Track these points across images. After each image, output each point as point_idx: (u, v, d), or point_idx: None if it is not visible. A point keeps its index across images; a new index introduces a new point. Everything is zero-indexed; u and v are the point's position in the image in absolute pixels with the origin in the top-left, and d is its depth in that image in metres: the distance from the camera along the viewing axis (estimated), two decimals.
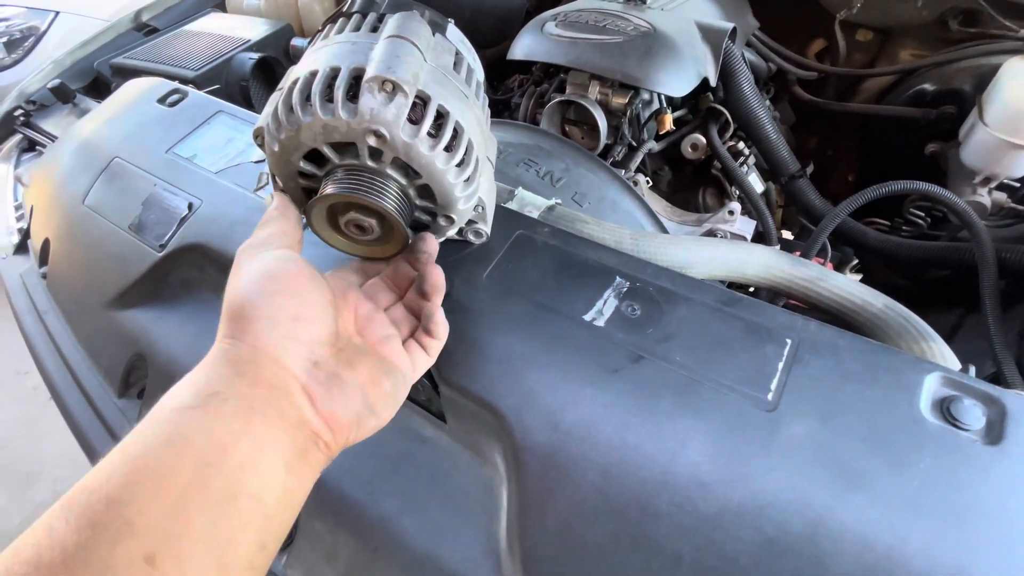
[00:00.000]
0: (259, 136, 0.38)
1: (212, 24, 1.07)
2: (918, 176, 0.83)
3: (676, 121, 0.90)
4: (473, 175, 0.40)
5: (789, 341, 0.37)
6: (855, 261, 0.93)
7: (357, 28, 0.38)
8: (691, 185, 0.99)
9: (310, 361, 0.31)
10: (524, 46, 0.86)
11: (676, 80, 0.78)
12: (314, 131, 0.35)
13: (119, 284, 0.58)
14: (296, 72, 0.36)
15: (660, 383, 0.36)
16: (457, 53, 0.41)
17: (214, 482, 0.25)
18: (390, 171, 0.37)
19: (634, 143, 0.88)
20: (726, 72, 0.86)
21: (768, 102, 1.02)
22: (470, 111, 0.39)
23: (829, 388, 0.35)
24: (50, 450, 1.70)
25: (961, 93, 0.88)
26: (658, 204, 0.88)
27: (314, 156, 0.37)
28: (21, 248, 0.78)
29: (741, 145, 0.91)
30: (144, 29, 1.12)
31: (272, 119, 0.36)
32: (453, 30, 0.42)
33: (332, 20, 0.40)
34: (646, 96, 0.86)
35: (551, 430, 0.36)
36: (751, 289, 0.78)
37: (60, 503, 0.23)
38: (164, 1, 1.18)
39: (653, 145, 0.90)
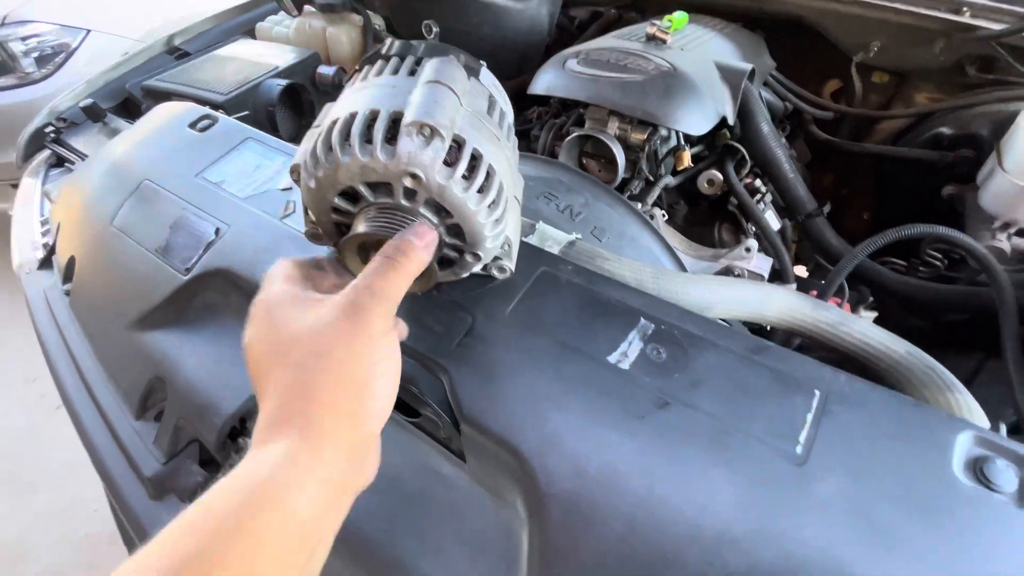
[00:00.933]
0: (296, 172, 0.39)
1: (242, 50, 1.11)
2: (934, 218, 0.83)
3: (693, 157, 0.91)
4: (503, 215, 0.40)
5: (818, 392, 0.37)
6: (870, 299, 0.93)
7: (395, 71, 0.39)
8: (706, 220, 1.00)
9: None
10: (546, 81, 0.88)
11: (696, 119, 0.80)
12: (352, 171, 0.35)
13: (143, 306, 0.58)
14: (335, 112, 0.37)
15: (688, 431, 0.36)
16: (490, 97, 0.42)
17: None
18: (423, 210, 0.38)
19: (651, 178, 0.89)
20: (744, 112, 0.87)
21: (784, 140, 1.03)
22: (501, 153, 0.40)
23: (860, 443, 0.34)
24: (53, 461, 1.70)
25: (979, 138, 0.88)
26: (674, 238, 0.89)
27: (349, 193, 0.38)
28: (45, 264, 0.79)
29: (758, 183, 0.91)
30: (176, 53, 1.16)
31: (310, 157, 0.37)
32: (486, 74, 0.43)
33: (370, 61, 0.42)
34: (664, 132, 0.87)
35: (575, 476, 0.36)
36: (768, 328, 0.78)
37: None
38: (196, 26, 1.22)
39: (670, 180, 0.90)
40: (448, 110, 0.36)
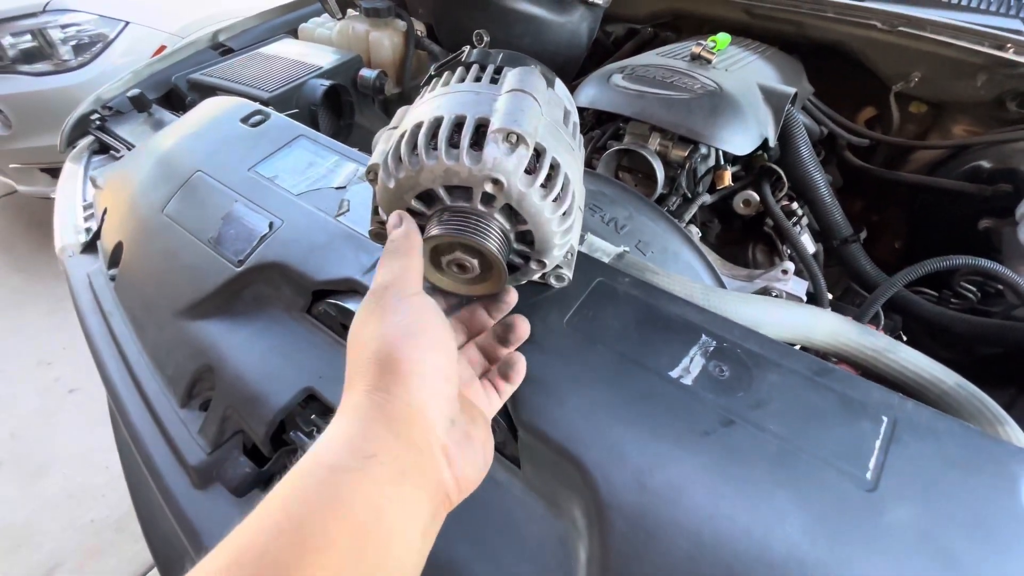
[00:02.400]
0: (373, 172, 0.39)
1: (285, 49, 1.12)
2: (969, 250, 0.82)
3: (731, 177, 0.91)
4: (572, 224, 0.40)
5: (885, 419, 0.37)
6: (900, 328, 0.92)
7: (477, 79, 0.40)
8: (740, 240, 1.00)
9: (449, 420, 0.32)
10: (589, 95, 0.89)
11: (740, 139, 0.80)
12: (435, 174, 0.36)
13: (193, 295, 0.59)
14: (418, 115, 0.38)
15: (754, 451, 0.36)
16: (565, 108, 0.42)
17: (368, 552, 0.25)
18: (497, 216, 0.38)
19: (689, 195, 0.89)
20: (785, 134, 0.87)
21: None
22: (575, 163, 0.41)
23: (930, 472, 0.34)
24: (64, 444, 1.70)
25: (1018, 173, 0.88)
26: (709, 256, 0.89)
27: (426, 196, 0.38)
28: (89, 248, 0.80)
29: (795, 205, 0.91)
30: (220, 49, 1.18)
31: (392, 158, 0.37)
32: (560, 85, 0.44)
33: (450, 68, 0.42)
34: (704, 151, 0.87)
35: (639, 490, 0.36)
36: (797, 347, 0.77)
37: (228, 558, 0.23)
38: (240, 24, 1.24)
39: (707, 198, 0.91)
40: (532, 119, 0.36)
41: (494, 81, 0.40)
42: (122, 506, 1.55)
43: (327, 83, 1.00)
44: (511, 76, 0.39)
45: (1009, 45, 0.90)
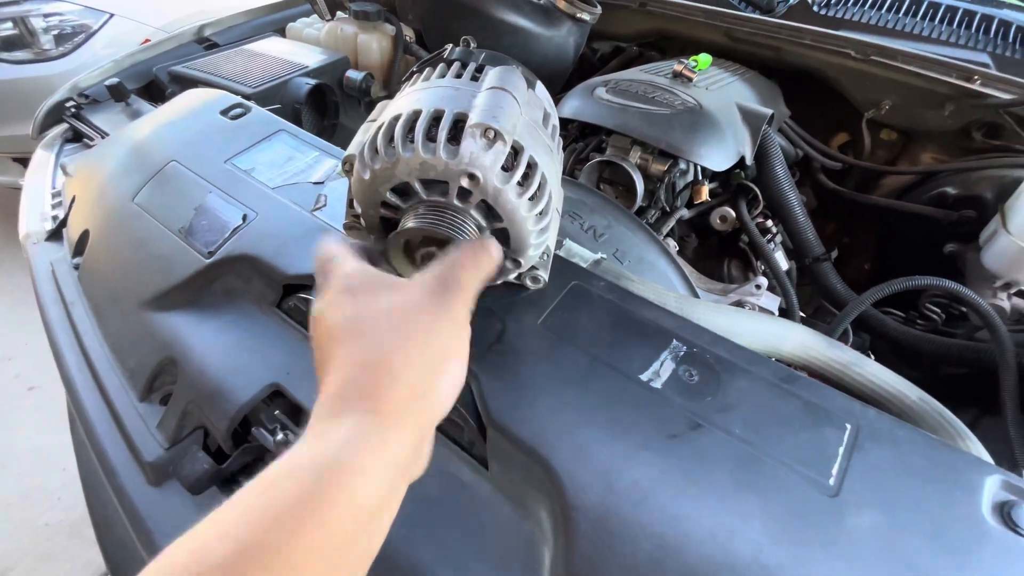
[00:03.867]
0: (349, 163, 0.39)
1: (272, 47, 1.12)
2: (935, 272, 0.85)
3: (708, 193, 0.93)
4: (548, 224, 0.41)
5: (848, 426, 0.37)
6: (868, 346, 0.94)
7: (458, 75, 0.40)
8: (716, 254, 1.02)
9: None
10: (574, 107, 0.90)
11: (717, 156, 0.82)
12: (411, 166, 0.36)
13: (160, 285, 0.57)
14: (397, 108, 0.38)
15: (720, 454, 0.36)
16: (545, 109, 0.43)
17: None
18: (473, 212, 0.38)
19: (667, 208, 0.91)
20: (762, 154, 0.90)
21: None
22: (553, 164, 0.41)
23: (891, 480, 0.35)
24: (20, 444, 1.63)
25: (982, 199, 0.92)
26: (685, 269, 0.90)
27: (401, 189, 0.38)
28: (54, 236, 0.78)
29: (769, 223, 0.93)
30: (205, 43, 1.16)
31: (368, 149, 0.37)
32: (541, 87, 0.44)
33: (431, 64, 0.42)
34: (683, 166, 0.89)
35: (605, 491, 0.35)
36: (773, 360, 0.79)
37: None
38: (227, 19, 1.23)
39: (684, 212, 0.92)
40: (511, 116, 0.36)
41: (475, 78, 0.40)
42: (77, 509, 1.48)
43: (312, 82, 0.99)
44: (492, 74, 0.40)
45: (976, 77, 0.95)
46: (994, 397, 0.70)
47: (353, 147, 0.39)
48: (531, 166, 0.38)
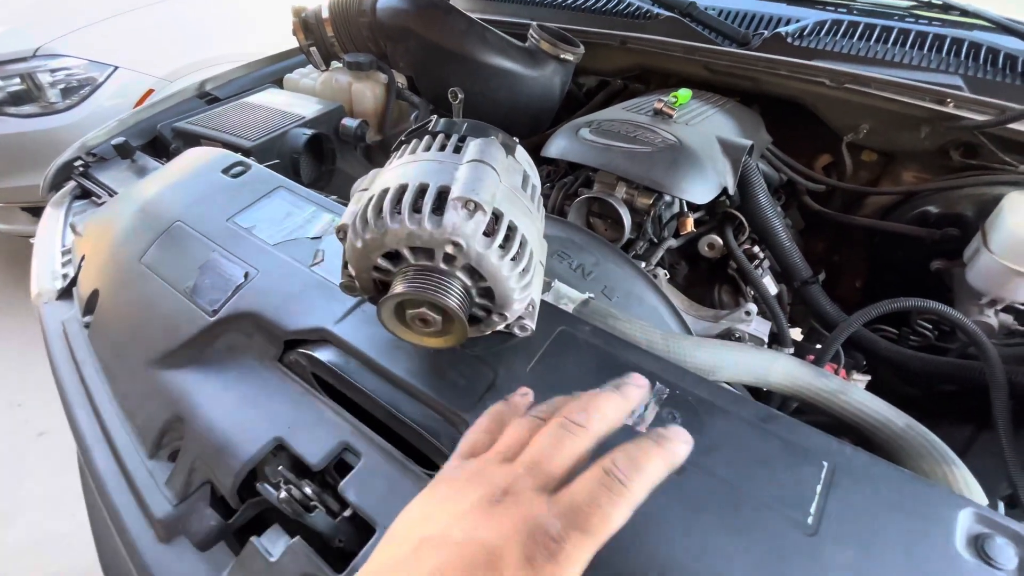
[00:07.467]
0: (343, 231, 0.42)
1: (270, 99, 1.17)
2: (924, 289, 0.87)
3: (694, 222, 0.96)
4: (530, 280, 0.43)
5: (825, 464, 0.39)
6: (863, 365, 0.96)
7: (442, 147, 0.43)
8: (706, 281, 1.04)
9: None
10: (560, 146, 0.93)
11: (699, 189, 0.85)
12: (399, 236, 0.38)
13: (167, 344, 0.60)
14: (386, 181, 0.41)
15: (704, 497, 0.38)
16: (524, 173, 0.46)
17: None
18: (459, 274, 0.41)
19: (655, 239, 0.93)
20: (744, 183, 0.93)
21: (780, 210, 1.09)
22: (533, 224, 0.44)
23: (867, 516, 0.36)
24: (31, 490, 1.64)
25: (964, 217, 0.94)
26: (676, 297, 0.92)
27: (392, 255, 0.41)
28: (65, 295, 0.81)
29: (756, 249, 0.96)
30: (206, 97, 1.21)
31: (360, 220, 0.40)
32: (521, 151, 0.47)
33: (417, 136, 0.46)
34: (668, 199, 0.92)
35: None
36: (764, 390, 0.80)
37: None
38: (227, 74, 1.28)
39: (672, 242, 0.95)
40: (490, 187, 0.39)
41: (457, 150, 0.43)
42: (87, 555, 1.48)
43: (309, 132, 1.04)
44: (472, 146, 0.43)
45: (949, 100, 0.98)
46: (990, 412, 0.71)
47: (347, 216, 0.42)
48: (511, 229, 0.40)
